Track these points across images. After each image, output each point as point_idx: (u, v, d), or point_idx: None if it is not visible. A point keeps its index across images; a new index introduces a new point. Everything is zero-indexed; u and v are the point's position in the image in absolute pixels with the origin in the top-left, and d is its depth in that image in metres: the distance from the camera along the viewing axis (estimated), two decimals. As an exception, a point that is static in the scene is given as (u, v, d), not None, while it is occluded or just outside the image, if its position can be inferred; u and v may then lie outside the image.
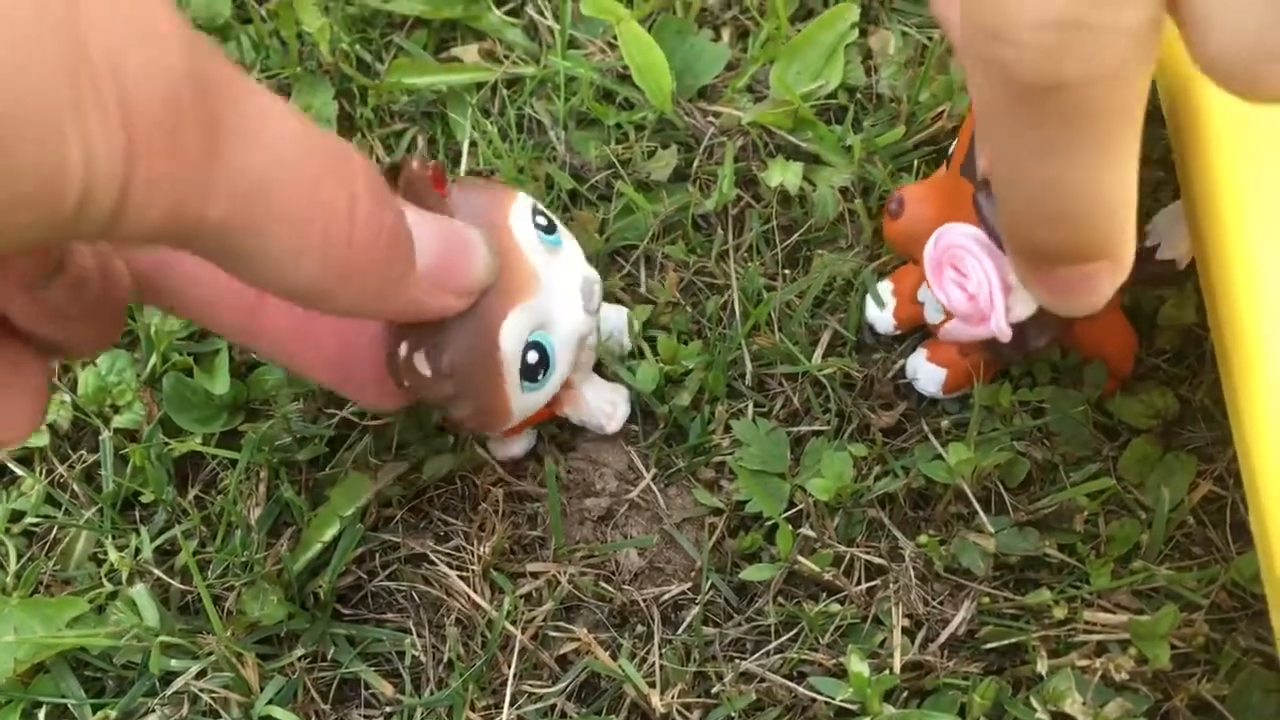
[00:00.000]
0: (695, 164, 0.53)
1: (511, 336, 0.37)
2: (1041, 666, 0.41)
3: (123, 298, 0.35)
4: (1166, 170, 0.49)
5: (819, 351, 0.48)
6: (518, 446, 0.48)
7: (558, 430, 0.48)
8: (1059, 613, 0.43)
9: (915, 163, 0.51)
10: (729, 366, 0.48)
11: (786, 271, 0.50)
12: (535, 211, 0.40)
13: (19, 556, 0.48)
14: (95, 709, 0.45)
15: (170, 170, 0.24)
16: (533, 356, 0.38)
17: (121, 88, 0.23)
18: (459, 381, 0.37)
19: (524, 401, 0.40)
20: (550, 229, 0.40)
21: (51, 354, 0.33)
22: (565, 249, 0.41)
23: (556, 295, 0.39)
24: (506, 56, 0.56)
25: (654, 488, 0.47)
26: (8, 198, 0.22)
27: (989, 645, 0.43)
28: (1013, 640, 0.43)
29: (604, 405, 0.47)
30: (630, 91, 0.54)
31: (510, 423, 0.40)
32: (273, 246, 0.27)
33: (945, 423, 0.46)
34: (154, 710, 0.45)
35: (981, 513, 0.44)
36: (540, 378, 0.39)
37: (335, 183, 0.29)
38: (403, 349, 0.37)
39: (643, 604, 0.45)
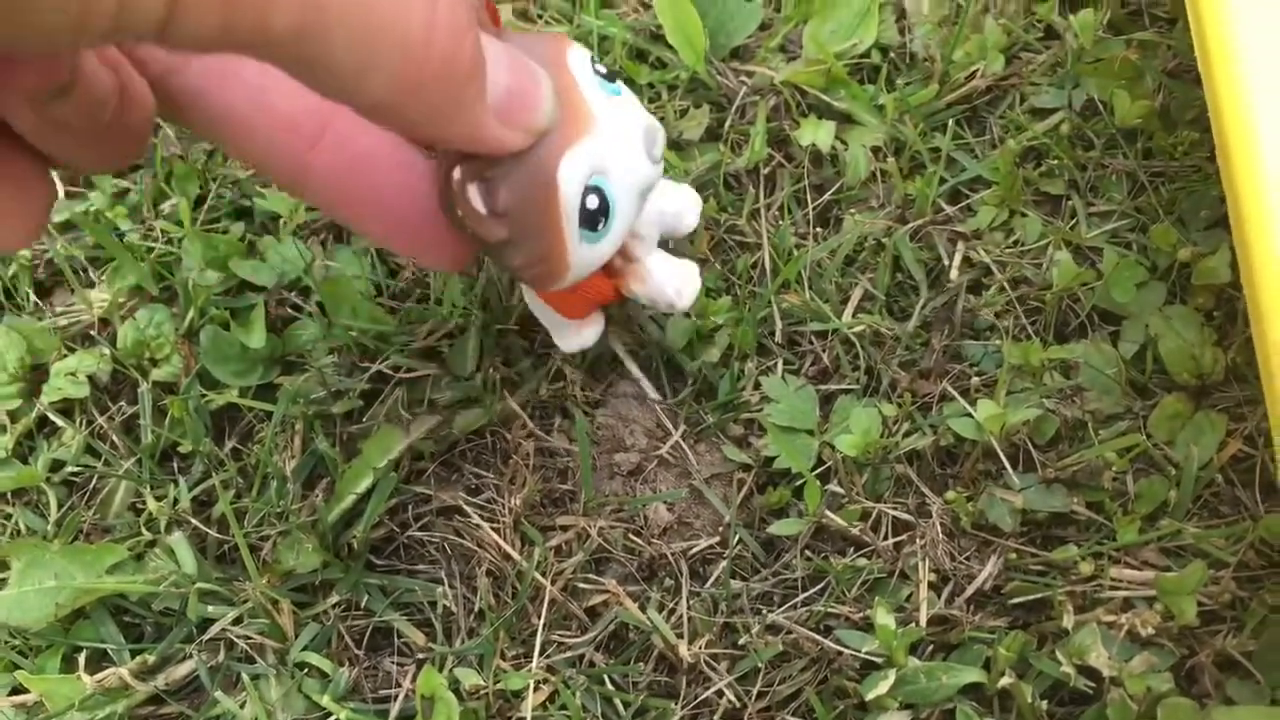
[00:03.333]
0: (727, 123, 0.53)
1: (570, 175, 0.35)
2: (1068, 621, 0.42)
3: (143, 121, 0.32)
4: (1203, 131, 0.49)
5: (849, 310, 0.49)
6: (588, 333, 0.46)
7: (589, 392, 0.49)
8: (1085, 569, 0.43)
9: (948, 122, 0.51)
10: (759, 324, 0.48)
11: (818, 230, 0.51)
12: (593, 60, 0.37)
13: (59, 505, 0.49)
14: (134, 654, 0.46)
15: None
16: (592, 201, 0.36)
17: None
18: (514, 222, 0.35)
19: (583, 254, 0.37)
20: (610, 78, 0.38)
21: (58, 167, 0.31)
22: (626, 98, 0.38)
23: (618, 140, 0.36)
24: (540, 15, 0.56)
25: (683, 444, 0.48)
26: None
27: (1015, 600, 0.43)
28: (1039, 596, 0.43)
29: (673, 280, 0.44)
30: (663, 51, 0.54)
31: (567, 277, 0.38)
32: (342, 55, 0.25)
33: (974, 380, 0.46)
34: (191, 655, 0.46)
35: (1010, 469, 0.44)
36: (600, 227, 0.37)
37: None
38: (457, 173, 0.34)
39: (671, 558, 0.45)
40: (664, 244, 0.45)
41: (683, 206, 0.45)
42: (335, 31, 0.24)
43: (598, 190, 0.36)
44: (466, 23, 0.28)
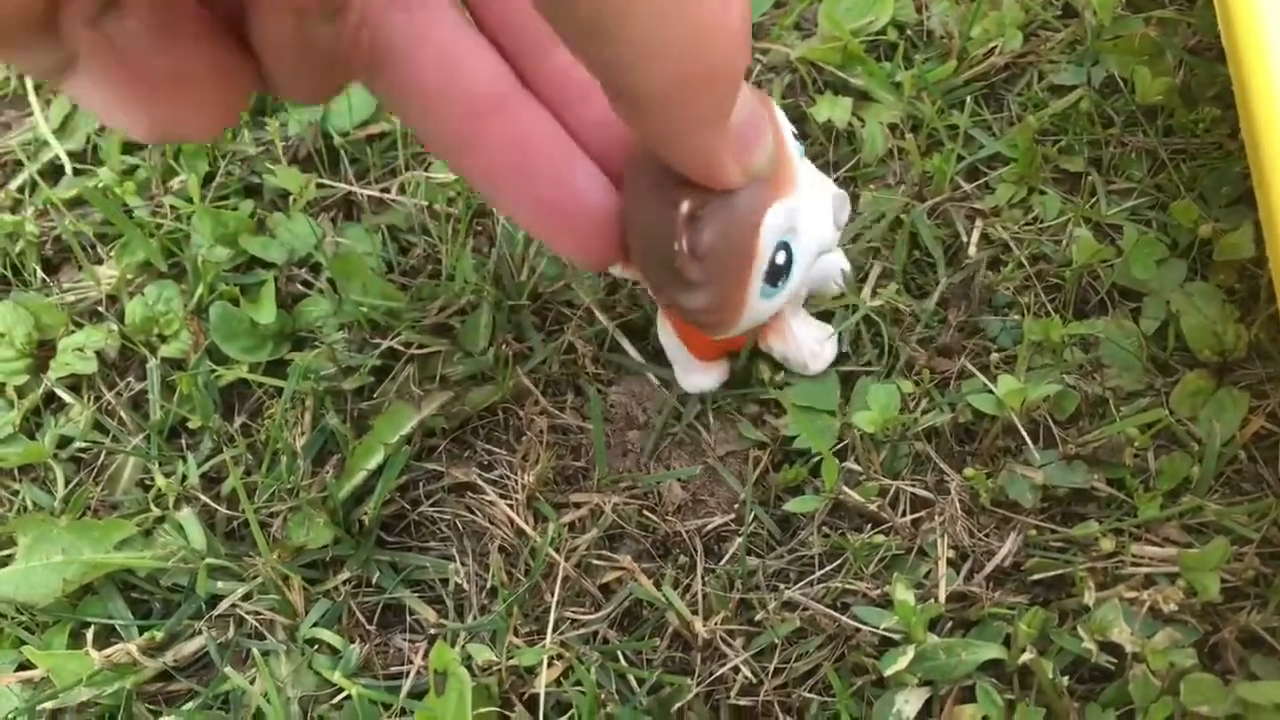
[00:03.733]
0: (742, 100, 0.52)
1: (771, 229, 0.35)
2: (1089, 598, 0.41)
3: (361, 59, 0.31)
4: (1224, 108, 0.48)
5: (868, 287, 0.48)
6: (711, 377, 0.46)
7: (601, 369, 0.48)
8: (1106, 545, 0.42)
9: (966, 99, 0.50)
10: (775, 300, 0.48)
11: (833, 207, 0.50)
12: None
13: (66, 481, 0.49)
14: (142, 630, 0.45)
15: None
16: (781, 257, 0.36)
17: None
18: (708, 266, 0.35)
19: (757, 307, 0.37)
20: (799, 138, 0.38)
21: (260, 82, 0.29)
22: (808, 163, 0.38)
23: (810, 201, 0.37)
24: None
25: (697, 422, 0.47)
26: None
27: (1035, 577, 0.43)
28: (1059, 572, 0.42)
29: (812, 343, 0.45)
30: (677, 28, 0.54)
31: (735, 328, 0.38)
32: (642, 32, 0.25)
33: (994, 357, 0.46)
34: (200, 631, 0.45)
35: (1030, 445, 0.44)
36: (780, 283, 0.37)
37: None
38: (685, 206, 0.33)
39: (685, 535, 0.45)
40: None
41: (830, 273, 0.46)
42: (645, 8, 0.25)
43: (786, 247, 0.36)
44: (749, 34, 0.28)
